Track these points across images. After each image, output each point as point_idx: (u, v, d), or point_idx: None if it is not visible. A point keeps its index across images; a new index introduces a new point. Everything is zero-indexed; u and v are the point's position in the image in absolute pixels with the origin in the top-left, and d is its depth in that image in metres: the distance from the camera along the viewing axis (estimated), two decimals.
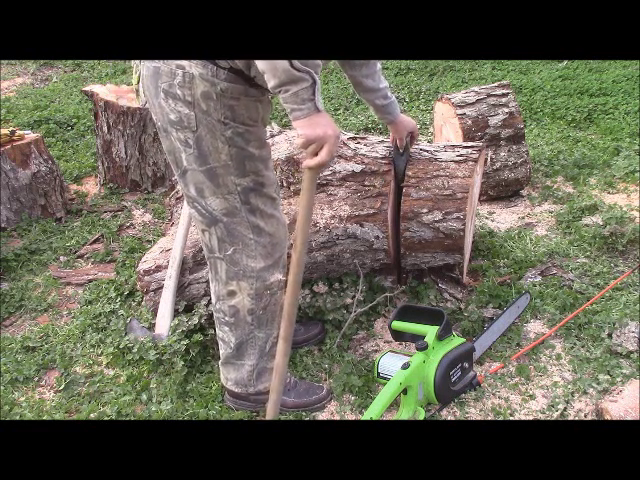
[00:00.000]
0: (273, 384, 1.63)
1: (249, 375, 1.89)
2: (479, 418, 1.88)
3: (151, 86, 1.60)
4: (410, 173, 2.28)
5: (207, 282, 2.28)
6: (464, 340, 1.99)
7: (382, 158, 2.30)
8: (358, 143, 2.40)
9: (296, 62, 1.35)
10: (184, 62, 1.51)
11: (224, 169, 1.64)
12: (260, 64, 1.39)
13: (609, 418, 1.76)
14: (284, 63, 1.34)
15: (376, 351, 2.21)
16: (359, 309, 2.25)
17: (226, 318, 1.84)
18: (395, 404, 1.87)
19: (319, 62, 1.42)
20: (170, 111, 1.58)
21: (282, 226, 1.79)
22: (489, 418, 1.87)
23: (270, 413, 1.64)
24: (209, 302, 2.27)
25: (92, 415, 1.98)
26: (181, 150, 1.63)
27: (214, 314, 1.90)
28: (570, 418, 1.86)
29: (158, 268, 2.32)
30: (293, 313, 1.57)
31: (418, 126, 4.44)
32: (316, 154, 1.46)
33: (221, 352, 1.92)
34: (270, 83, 1.40)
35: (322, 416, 1.94)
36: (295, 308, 1.58)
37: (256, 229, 1.72)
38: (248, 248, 1.73)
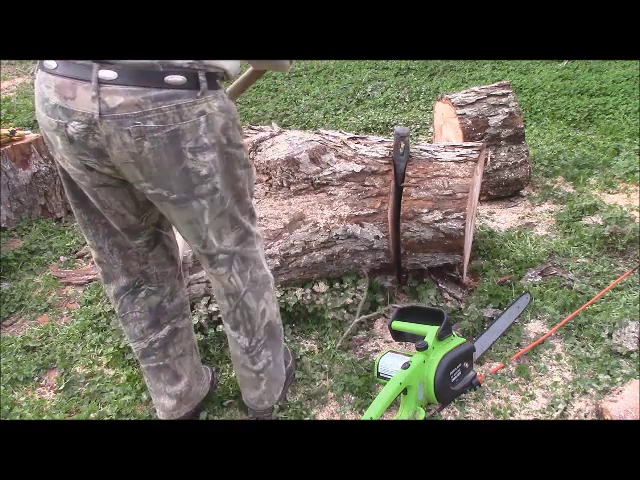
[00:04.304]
0: None
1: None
2: (479, 418, 1.88)
3: (167, 156, 1.31)
4: (410, 173, 2.28)
5: (207, 282, 2.28)
6: (464, 340, 1.99)
7: (382, 158, 2.30)
8: (358, 143, 2.40)
9: None
10: (202, 106, 1.30)
11: (240, 196, 1.51)
12: None
13: (609, 418, 1.76)
14: None
15: (376, 351, 2.21)
16: (364, 316, 2.28)
17: (262, 342, 1.73)
18: (395, 404, 1.87)
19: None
20: (201, 167, 1.36)
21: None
22: (489, 418, 1.87)
23: None
24: (209, 302, 2.27)
25: (92, 415, 1.98)
26: (205, 208, 1.44)
27: (247, 355, 1.73)
28: (570, 418, 1.86)
29: None
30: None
31: (418, 126, 4.49)
32: None
33: (262, 374, 1.78)
34: None
35: (322, 416, 1.94)
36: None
37: (257, 238, 1.65)
38: (257, 260, 1.66)
